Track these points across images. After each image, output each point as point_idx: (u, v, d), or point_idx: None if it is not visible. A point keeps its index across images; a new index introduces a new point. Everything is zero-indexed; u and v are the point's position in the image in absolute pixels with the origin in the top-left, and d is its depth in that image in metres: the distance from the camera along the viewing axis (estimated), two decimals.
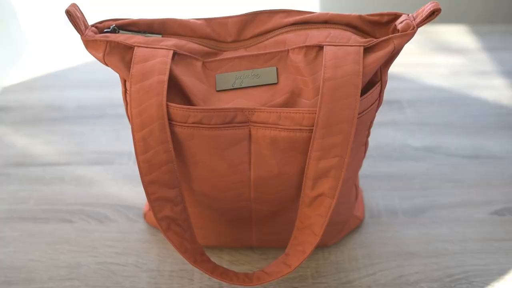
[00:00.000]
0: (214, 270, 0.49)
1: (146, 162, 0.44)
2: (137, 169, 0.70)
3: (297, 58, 0.45)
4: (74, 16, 0.43)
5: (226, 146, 0.45)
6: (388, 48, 0.43)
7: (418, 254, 0.58)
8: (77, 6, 0.44)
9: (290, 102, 0.44)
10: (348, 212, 0.57)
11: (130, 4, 1.55)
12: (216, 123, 0.43)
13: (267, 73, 0.45)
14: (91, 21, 0.47)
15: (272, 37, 0.47)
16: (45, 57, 0.96)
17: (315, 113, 0.42)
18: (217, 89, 0.45)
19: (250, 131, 0.44)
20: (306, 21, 0.47)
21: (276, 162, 0.46)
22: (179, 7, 1.58)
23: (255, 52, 0.46)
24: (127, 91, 0.47)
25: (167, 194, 0.46)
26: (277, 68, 0.45)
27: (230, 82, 0.45)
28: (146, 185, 0.45)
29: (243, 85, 0.45)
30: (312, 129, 0.43)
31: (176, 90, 0.45)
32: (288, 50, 0.45)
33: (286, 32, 0.47)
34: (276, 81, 0.45)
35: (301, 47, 0.45)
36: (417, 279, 0.55)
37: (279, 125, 0.43)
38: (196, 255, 0.48)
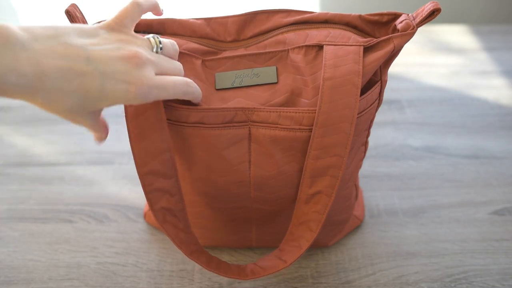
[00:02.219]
0: (210, 263, 0.48)
1: (142, 150, 0.43)
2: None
3: (297, 57, 0.45)
4: (73, 16, 0.43)
5: (226, 145, 0.45)
6: (388, 48, 0.43)
7: (418, 254, 0.58)
8: (77, 6, 0.44)
9: (290, 101, 0.44)
10: (348, 212, 0.57)
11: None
12: (216, 123, 0.43)
13: (267, 73, 0.45)
14: (90, 21, 0.47)
15: (272, 36, 0.47)
16: None
17: (315, 112, 0.42)
18: (217, 88, 0.45)
19: (250, 130, 0.44)
20: (306, 21, 0.47)
21: (276, 161, 0.46)
22: (179, 8, 1.58)
23: (255, 51, 0.46)
24: None
25: (163, 185, 0.44)
26: (276, 68, 0.45)
27: (229, 81, 0.45)
28: (142, 175, 0.43)
29: (242, 84, 0.45)
30: (312, 129, 0.43)
31: None
32: (288, 49, 0.45)
33: (286, 31, 0.47)
34: (276, 81, 0.45)
35: (301, 47, 0.45)
36: (417, 279, 0.55)
37: (279, 124, 0.43)
38: (191, 245, 0.48)
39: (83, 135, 0.76)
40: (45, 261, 0.57)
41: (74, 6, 0.44)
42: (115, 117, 0.80)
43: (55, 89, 0.30)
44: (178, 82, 0.37)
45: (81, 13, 0.44)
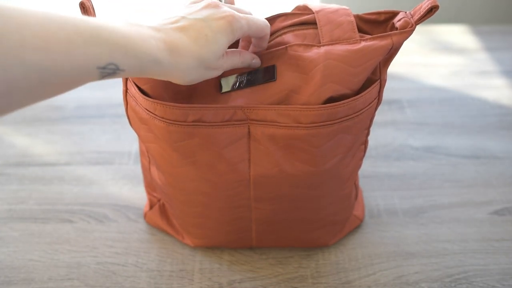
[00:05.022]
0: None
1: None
2: (137, 169, 0.70)
3: (296, 55, 0.45)
4: (87, 9, 0.42)
5: (226, 144, 0.45)
6: (386, 43, 0.43)
7: (418, 254, 0.58)
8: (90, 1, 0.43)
9: (288, 98, 0.44)
10: (348, 211, 0.57)
11: (132, 11, 1.56)
12: (216, 121, 0.44)
13: (267, 71, 0.45)
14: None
15: (272, 40, 0.48)
16: None
17: (313, 110, 0.42)
18: (222, 92, 0.46)
19: (249, 128, 0.45)
20: (304, 22, 0.47)
21: (275, 159, 0.46)
22: None
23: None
24: (127, 91, 0.47)
25: None
26: (275, 66, 0.45)
27: (232, 83, 0.46)
28: None
29: (244, 85, 0.45)
30: (310, 126, 0.43)
31: (181, 96, 0.45)
32: (286, 47, 0.45)
33: (285, 33, 0.47)
34: (274, 78, 0.45)
35: (299, 44, 0.45)
36: (417, 279, 0.55)
37: (277, 122, 0.44)
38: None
39: (83, 135, 0.76)
40: (45, 261, 0.57)
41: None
42: (115, 117, 0.80)
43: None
44: (259, 17, 0.44)
45: (93, 7, 0.44)
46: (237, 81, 0.46)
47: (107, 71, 0.33)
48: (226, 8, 0.40)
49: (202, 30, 0.38)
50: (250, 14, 0.44)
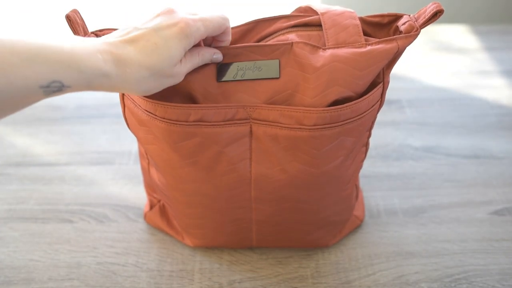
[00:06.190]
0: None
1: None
2: (137, 169, 0.70)
3: (301, 53, 0.44)
4: (74, 21, 0.42)
5: (227, 143, 0.45)
6: (392, 46, 0.43)
7: (418, 254, 0.58)
8: (78, 12, 0.43)
9: (292, 98, 0.44)
10: (349, 212, 0.57)
11: (130, 11, 1.55)
12: (217, 120, 0.43)
13: (270, 66, 0.44)
14: (90, 28, 0.46)
15: (273, 37, 0.47)
16: None
17: (316, 112, 0.42)
18: (218, 80, 0.44)
19: (251, 127, 0.44)
20: (306, 24, 0.47)
21: (277, 159, 0.46)
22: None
23: (259, 44, 0.45)
24: (125, 93, 0.47)
25: None
26: (279, 61, 0.44)
27: (231, 73, 0.44)
28: None
29: (244, 77, 0.44)
30: (313, 128, 0.43)
31: (175, 90, 0.44)
32: (292, 43, 0.44)
33: (288, 32, 0.47)
34: (278, 75, 0.44)
35: (305, 43, 0.44)
36: (417, 279, 0.55)
37: (280, 123, 0.43)
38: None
39: (83, 135, 0.76)
40: (45, 261, 0.58)
41: (75, 11, 0.43)
42: (115, 117, 0.80)
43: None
44: (215, 14, 0.43)
45: (82, 19, 0.43)
46: (236, 72, 0.44)
47: (52, 89, 0.33)
48: (179, 14, 0.40)
49: (151, 39, 0.38)
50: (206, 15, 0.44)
